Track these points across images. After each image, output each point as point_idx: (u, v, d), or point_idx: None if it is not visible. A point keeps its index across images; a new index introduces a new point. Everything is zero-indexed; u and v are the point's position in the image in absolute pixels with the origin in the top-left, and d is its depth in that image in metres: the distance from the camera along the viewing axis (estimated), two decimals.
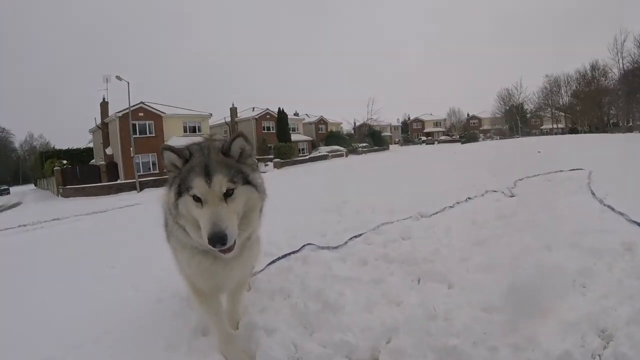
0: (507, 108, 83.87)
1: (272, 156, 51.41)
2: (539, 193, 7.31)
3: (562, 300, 3.15)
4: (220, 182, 2.32)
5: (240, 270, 2.84)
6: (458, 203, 7.08)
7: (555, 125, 78.80)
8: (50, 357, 3.14)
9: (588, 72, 72.56)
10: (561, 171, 9.42)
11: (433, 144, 79.21)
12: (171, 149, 2.50)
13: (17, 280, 5.95)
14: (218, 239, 2.19)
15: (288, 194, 13.06)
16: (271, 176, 32.27)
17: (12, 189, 69.85)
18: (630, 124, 57.28)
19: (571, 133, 52.49)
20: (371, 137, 74.08)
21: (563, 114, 78.71)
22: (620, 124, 61.76)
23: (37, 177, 68.15)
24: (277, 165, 45.79)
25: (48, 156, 53.65)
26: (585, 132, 50.93)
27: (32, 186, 73.76)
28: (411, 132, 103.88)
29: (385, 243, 5.09)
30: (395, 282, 3.89)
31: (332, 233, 5.94)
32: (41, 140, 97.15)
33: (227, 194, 2.34)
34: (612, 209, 5.26)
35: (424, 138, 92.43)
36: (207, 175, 2.32)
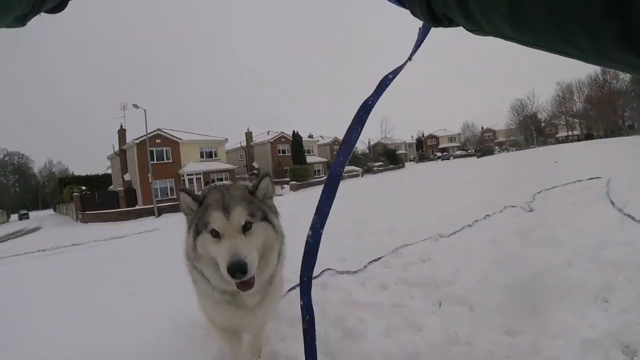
0: (521, 119, 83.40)
1: (288, 179, 51.59)
2: (558, 206, 7.21)
3: (583, 317, 3.15)
4: (240, 213, 2.25)
5: (262, 315, 2.72)
6: (477, 221, 7.02)
7: (570, 133, 77.99)
8: None
9: (599, 75, 72.18)
10: (579, 181, 9.34)
11: (449, 159, 78.50)
12: (186, 191, 2.46)
13: (35, 308, 5.85)
14: (238, 267, 2.07)
15: (305, 217, 13.00)
16: (288, 199, 32.31)
17: (32, 214, 70.97)
18: None
19: (587, 139, 51.84)
20: (386, 156, 73.94)
21: (577, 120, 78.03)
22: (636, 126, 61.07)
23: (56, 202, 68.89)
24: (294, 188, 45.83)
25: (67, 182, 54.42)
26: (601, 137, 50.21)
27: (51, 211, 74.73)
28: (426, 148, 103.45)
29: (404, 266, 5.08)
30: (416, 307, 3.87)
31: (351, 257, 5.86)
32: (60, 166, 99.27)
33: (246, 228, 2.26)
34: (632, 218, 5.21)
35: (439, 154, 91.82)
36: (226, 209, 2.26)
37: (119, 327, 4.34)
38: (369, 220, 9.31)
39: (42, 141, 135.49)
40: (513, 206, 7.82)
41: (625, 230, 4.93)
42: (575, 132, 77.30)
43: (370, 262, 5.25)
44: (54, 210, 72.16)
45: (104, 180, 57.07)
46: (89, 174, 58.39)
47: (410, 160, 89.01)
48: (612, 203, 6.38)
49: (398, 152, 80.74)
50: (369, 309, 3.93)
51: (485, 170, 21.98)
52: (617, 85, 68.69)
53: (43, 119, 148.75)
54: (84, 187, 47.40)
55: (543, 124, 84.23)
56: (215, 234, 2.24)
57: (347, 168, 56.99)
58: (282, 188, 47.10)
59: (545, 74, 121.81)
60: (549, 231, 5.46)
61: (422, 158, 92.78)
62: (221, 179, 46.23)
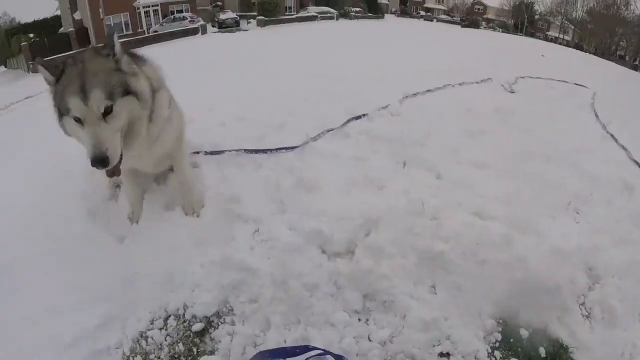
0: (517, 3, 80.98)
1: (255, 13, 48.25)
2: (541, 97, 6.94)
3: (555, 221, 3.00)
4: (98, 98, 2.06)
5: (156, 147, 2.60)
6: (452, 86, 6.61)
7: (561, 36, 76.71)
8: None
9: None
10: (565, 82, 8.94)
11: (432, 21, 75.47)
12: (43, 64, 2.22)
13: None
14: (99, 161, 2.04)
15: (272, 57, 12.40)
16: (254, 35, 30.85)
17: None
18: (637, 62, 56.22)
19: (576, 49, 51.40)
20: (366, 3, 70.65)
21: (573, 27, 76.53)
22: (627, 59, 60.68)
23: (5, 57, 64.20)
24: (260, 24, 43.05)
25: (13, 33, 49.50)
26: (590, 53, 49.93)
27: (2, 68, 69.44)
28: (410, 4, 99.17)
29: (371, 117, 4.65)
30: (379, 163, 3.55)
31: (314, 100, 5.38)
32: (5, 17, 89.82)
33: (107, 112, 2.10)
34: (616, 140, 5.00)
35: (422, 13, 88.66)
36: (83, 93, 2.05)
37: None
38: (340, 66, 8.77)
39: None
40: (491, 80, 7.53)
41: (607, 148, 4.72)
42: (566, 37, 75.99)
43: (349, 120, 4.53)
44: (5, 67, 66.82)
45: (53, 23, 51.75)
46: (36, 20, 53.10)
47: (392, 13, 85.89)
48: (597, 116, 6.14)
49: (380, 2, 77.27)
50: (326, 159, 3.59)
51: (468, 40, 21.34)
52: (624, 12, 66.79)
53: None
54: (32, 35, 43.53)
55: (537, 17, 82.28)
56: (78, 120, 2.09)
57: (322, 9, 54.51)
58: (248, 23, 44.40)
59: None
60: (530, 118, 5.23)
61: (404, 13, 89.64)
62: (181, 11, 43.13)
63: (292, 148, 3.69)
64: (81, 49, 2.51)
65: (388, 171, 3.45)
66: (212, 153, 3.45)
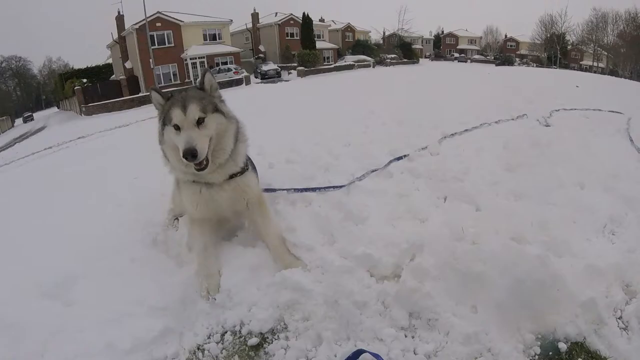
0: (548, 36, 79.96)
1: (295, 64, 49.82)
2: (576, 128, 6.96)
3: (590, 243, 3.13)
4: (194, 110, 2.82)
5: (232, 192, 3.18)
6: (489, 124, 6.80)
7: (595, 64, 75.14)
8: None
9: (639, 14, 68.54)
10: (600, 110, 8.88)
11: (466, 62, 75.51)
12: (156, 89, 3.08)
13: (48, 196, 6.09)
14: (189, 152, 2.67)
15: (312, 104, 12.92)
16: (294, 84, 31.87)
17: (36, 115, 67.81)
18: None
19: (611, 75, 50.27)
20: (400, 49, 70.85)
21: (605, 53, 75.14)
22: None
23: (59, 99, 66.84)
24: (301, 74, 44.25)
25: (68, 77, 52.70)
26: (625, 77, 48.70)
27: (55, 109, 72.68)
28: (443, 47, 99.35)
29: (412, 157, 4.95)
30: (421, 198, 3.82)
31: (357, 144, 5.80)
32: (59, 62, 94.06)
33: (200, 122, 2.83)
34: None
35: (456, 55, 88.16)
36: (184, 107, 2.81)
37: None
38: (378, 110, 9.07)
39: (38, 40, 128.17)
40: (526, 115, 7.65)
41: None
42: (600, 65, 74.50)
43: (391, 161, 4.87)
44: (58, 108, 70.33)
45: (105, 70, 54.82)
46: (89, 66, 56.09)
47: (426, 57, 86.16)
48: (632, 140, 6.14)
49: (414, 47, 77.58)
50: (372, 195, 3.92)
51: (503, 78, 21.43)
52: None
53: (35, 16, 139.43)
54: (85, 80, 46.29)
55: (569, 47, 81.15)
56: (177, 127, 2.83)
57: (358, 57, 55.33)
58: (289, 73, 46.09)
59: None
60: (565, 150, 5.30)
61: (437, 56, 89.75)
62: (226, 63, 44.88)
63: (340, 187, 4.05)
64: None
65: (430, 205, 3.71)
66: (266, 190, 3.76)
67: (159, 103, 3.04)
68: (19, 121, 67.09)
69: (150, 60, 38.27)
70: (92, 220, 4.33)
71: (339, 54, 63.23)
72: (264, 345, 2.55)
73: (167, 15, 43.79)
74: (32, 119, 64.71)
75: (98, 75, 52.09)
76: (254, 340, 2.56)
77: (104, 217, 4.35)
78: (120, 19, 45.34)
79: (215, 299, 2.82)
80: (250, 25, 58.44)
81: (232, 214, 3.37)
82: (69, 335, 2.67)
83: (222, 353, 2.54)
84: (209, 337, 2.64)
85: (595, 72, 61.42)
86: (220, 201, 3.16)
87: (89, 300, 2.97)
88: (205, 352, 2.55)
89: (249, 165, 3.33)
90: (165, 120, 2.91)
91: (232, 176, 3.14)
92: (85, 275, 3.24)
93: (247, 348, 2.54)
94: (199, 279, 2.92)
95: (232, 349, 2.55)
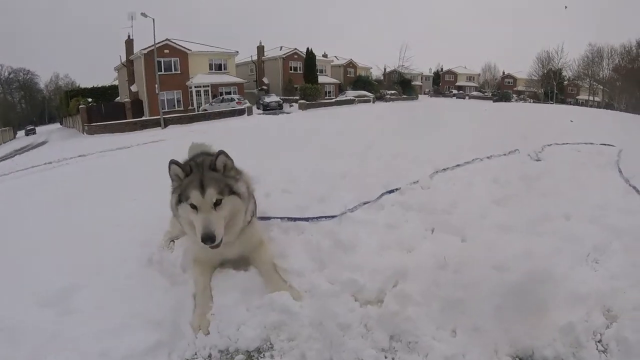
0: (545, 72, 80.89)
1: (297, 97, 50.35)
2: (566, 162, 7.11)
3: (573, 271, 3.18)
4: (212, 193, 2.94)
5: (236, 248, 3.38)
6: (481, 160, 6.97)
7: (591, 98, 75.85)
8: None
9: (634, 48, 69.31)
10: (591, 144, 9.07)
11: (464, 98, 76.17)
12: (177, 163, 3.13)
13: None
14: (208, 238, 2.84)
15: (311, 137, 13.18)
16: (295, 117, 32.29)
17: (38, 129, 69.01)
18: None
19: (607, 108, 50.64)
20: (400, 85, 71.62)
21: (601, 87, 75.85)
22: None
23: (62, 116, 67.17)
24: (302, 107, 44.68)
25: (73, 95, 53.41)
26: (621, 110, 49.03)
27: (57, 125, 73.48)
28: (443, 83, 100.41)
29: (403, 190, 5.09)
30: (410, 230, 3.94)
31: (352, 175, 6.03)
32: (66, 79, 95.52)
33: (217, 204, 2.96)
34: (638, 191, 5.14)
35: (455, 91, 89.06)
36: (202, 188, 2.93)
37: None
38: (375, 144, 9.35)
39: (47, 55, 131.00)
40: (518, 151, 7.84)
41: (628, 200, 4.85)
42: (596, 99, 75.00)
43: (383, 194, 5.01)
44: (61, 124, 71.16)
45: (110, 92, 55.59)
46: (95, 86, 57.23)
47: (425, 93, 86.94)
48: (620, 172, 6.25)
49: (413, 83, 78.36)
50: (363, 225, 4.04)
51: (499, 114, 21.73)
52: None
53: (47, 32, 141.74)
54: (90, 99, 46.50)
55: (566, 82, 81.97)
56: (193, 207, 2.96)
57: (359, 92, 55.89)
58: (291, 106, 46.50)
59: (578, 32, 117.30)
60: (554, 183, 5.43)
61: (437, 93, 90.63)
62: (229, 92, 45.54)
63: (332, 217, 4.21)
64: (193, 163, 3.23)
65: (418, 236, 3.82)
66: (261, 218, 3.92)
67: (177, 176, 3.14)
68: (21, 133, 67.58)
69: (156, 85, 38.35)
70: (91, 237, 4.50)
71: (340, 88, 63.93)
72: None
73: (175, 43, 44.65)
74: (34, 133, 65.26)
75: (103, 96, 52.62)
76: (240, 358, 2.65)
77: (102, 235, 4.52)
78: (129, 43, 46.10)
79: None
80: (255, 58, 59.43)
81: (237, 259, 3.51)
82: (63, 343, 2.76)
83: None
84: (196, 354, 2.73)
85: (591, 106, 61.85)
86: (227, 253, 3.35)
87: (85, 310, 3.09)
88: None
89: (254, 213, 3.55)
90: (181, 197, 3.03)
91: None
92: (82, 287, 3.37)
93: None
94: (195, 317, 3.00)
95: None
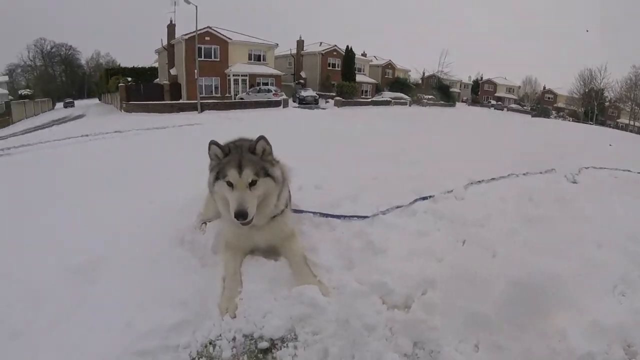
0: (587, 91, 78.85)
1: (333, 94, 50.41)
2: (603, 187, 7.00)
3: (598, 301, 3.13)
4: (248, 173, 3.10)
5: (267, 235, 3.52)
6: (517, 175, 6.91)
7: (632, 122, 73.81)
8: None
9: None
10: (629, 171, 8.89)
11: (502, 110, 74.50)
12: (216, 143, 3.28)
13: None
14: (241, 215, 3.00)
15: (345, 135, 13.37)
16: (331, 113, 32.35)
17: (77, 103, 70.46)
18: None
19: None
20: (438, 91, 70.61)
21: None
22: None
23: (101, 92, 68.38)
24: (338, 104, 44.77)
25: (113, 73, 54.70)
26: None
27: (96, 100, 74.80)
28: (481, 92, 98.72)
29: (437, 198, 5.10)
30: (441, 239, 3.96)
31: (384, 178, 6.04)
32: (107, 58, 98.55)
33: (252, 184, 3.12)
34: None
35: (493, 102, 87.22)
36: (240, 168, 3.10)
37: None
38: (409, 148, 9.34)
39: (90, 34, 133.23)
40: (555, 170, 7.76)
41: None
42: (637, 123, 72.81)
43: (416, 200, 5.03)
44: (99, 100, 72.43)
45: (150, 73, 56.52)
46: (135, 66, 58.20)
47: (462, 101, 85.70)
48: None
49: (451, 90, 77.18)
50: (394, 229, 4.07)
51: (538, 130, 21.45)
52: None
53: (91, 12, 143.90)
54: (129, 79, 47.59)
55: (607, 104, 79.85)
56: (230, 184, 3.13)
57: (396, 94, 55.45)
58: (327, 102, 46.55)
59: (623, 53, 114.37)
60: (588, 207, 5.34)
61: (474, 102, 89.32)
62: (267, 83, 45.71)
63: (364, 217, 4.25)
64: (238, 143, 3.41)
65: (448, 246, 3.82)
66: (294, 211, 4.01)
67: (217, 156, 3.30)
68: (59, 105, 68.91)
69: (195, 70, 38.75)
70: (124, 212, 4.73)
71: (377, 89, 63.67)
72: (273, 350, 2.69)
73: (216, 31, 44.86)
74: (73, 106, 66.62)
75: (142, 76, 53.45)
76: (264, 344, 2.71)
77: (135, 211, 4.72)
78: (171, 27, 46.57)
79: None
80: (294, 51, 59.44)
81: (267, 247, 3.61)
82: (88, 310, 2.90)
83: (232, 351, 2.68)
84: (220, 335, 2.79)
85: (631, 130, 60.24)
86: (257, 239, 3.52)
87: (113, 282, 3.24)
88: (216, 347, 2.70)
89: (288, 203, 3.69)
90: (219, 175, 3.20)
91: (272, 217, 3.46)
92: (112, 260, 3.54)
93: (256, 350, 2.69)
94: (223, 299, 3.08)
95: (242, 349, 2.71)
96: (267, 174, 3.24)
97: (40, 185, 6.88)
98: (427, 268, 3.32)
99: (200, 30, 40.35)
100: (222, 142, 3.35)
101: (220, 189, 3.21)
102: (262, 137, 3.31)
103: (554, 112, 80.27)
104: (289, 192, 3.73)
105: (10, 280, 3.25)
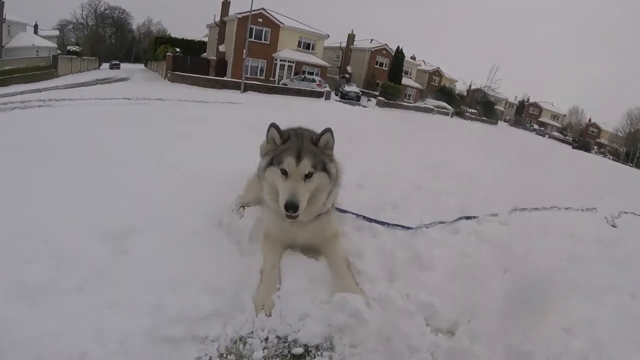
0: (632, 130, 77.26)
1: (376, 93, 50.28)
2: None
3: (629, 356, 3.05)
4: (306, 164, 3.00)
5: (309, 232, 3.39)
6: (559, 209, 6.84)
7: None
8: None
9: None
10: None
11: (544, 136, 73.12)
12: (276, 127, 3.19)
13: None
14: (291, 206, 2.88)
15: (387, 138, 13.35)
16: (372, 112, 32.75)
17: (123, 65, 71.27)
18: None
19: None
20: (482, 106, 69.86)
21: None
22: None
23: (148, 59, 69.26)
24: (380, 104, 44.48)
25: (162, 41, 55.28)
26: None
27: (141, 66, 75.74)
28: (525, 114, 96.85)
29: (480, 220, 5.06)
30: (483, 263, 3.86)
31: (426, 189, 6.03)
32: (158, 26, 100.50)
33: (308, 176, 3.02)
34: None
35: (536, 126, 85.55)
36: (298, 157, 2.99)
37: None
38: (450, 160, 9.35)
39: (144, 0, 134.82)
40: (596, 210, 7.60)
41: None
42: None
43: (460, 218, 4.96)
44: (144, 66, 73.23)
45: (198, 46, 56.95)
46: (185, 38, 58.56)
47: (505, 121, 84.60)
48: None
49: (496, 107, 76.06)
50: (437, 245, 4.00)
51: (579, 164, 21.12)
52: None
53: None
54: (178, 49, 48.09)
55: None
56: (284, 172, 3.02)
57: (439, 103, 54.83)
58: (368, 100, 46.43)
59: None
60: (626, 254, 5.13)
61: (517, 123, 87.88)
62: (312, 73, 45.65)
63: (408, 228, 4.20)
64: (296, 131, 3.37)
65: (491, 273, 3.68)
66: (337, 210, 3.93)
67: (274, 140, 3.21)
68: (105, 65, 69.58)
69: (244, 50, 38.89)
70: (159, 183, 4.68)
71: (422, 94, 63.16)
72: (307, 358, 2.55)
73: (269, 14, 44.94)
74: (118, 68, 67.38)
75: (191, 49, 53.71)
76: (298, 350, 2.56)
77: (171, 183, 4.71)
78: (226, 4, 46.94)
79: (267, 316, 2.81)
80: (344, 45, 59.20)
81: (307, 245, 3.47)
82: (113, 281, 2.79)
83: (263, 352, 2.52)
84: (252, 333, 2.64)
85: None
86: (299, 235, 3.38)
87: (142, 257, 3.11)
88: (247, 345, 2.55)
89: (335, 202, 3.61)
90: (273, 160, 3.10)
91: (317, 215, 3.35)
92: (144, 232, 3.43)
93: (289, 355, 2.54)
94: (259, 294, 2.93)
95: (274, 351, 2.55)
96: (324, 169, 3.13)
97: (79, 142, 6.85)
98: (473, 293, 3.21)
99: (254, 10, 40.40)
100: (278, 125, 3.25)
101: (272, 176, 3.11)
102: (329, 130, 3.21)
103: (595, 146, 78.64)
104: (338, 191, 3.57)
105: (33, 239, 3.09)
